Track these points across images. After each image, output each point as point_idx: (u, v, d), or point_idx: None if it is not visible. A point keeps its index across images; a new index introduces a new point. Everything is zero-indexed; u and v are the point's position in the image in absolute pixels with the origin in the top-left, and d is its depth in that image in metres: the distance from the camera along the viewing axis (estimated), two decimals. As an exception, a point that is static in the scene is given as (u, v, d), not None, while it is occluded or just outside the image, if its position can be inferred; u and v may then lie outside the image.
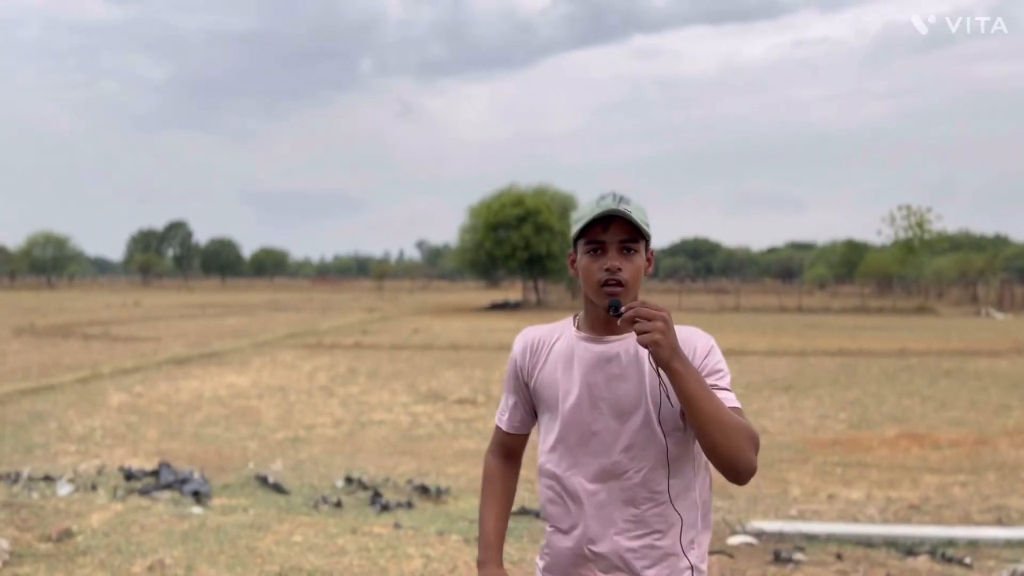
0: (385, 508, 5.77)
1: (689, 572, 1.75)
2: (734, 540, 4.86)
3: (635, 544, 1.73)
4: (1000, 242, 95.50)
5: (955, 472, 8.28)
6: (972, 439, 9.85)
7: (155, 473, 6.59)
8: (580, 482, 1.75)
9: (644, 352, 1.68)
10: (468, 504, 6.30)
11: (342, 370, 16.31)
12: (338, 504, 5.83)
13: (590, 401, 1.73)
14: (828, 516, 6.58)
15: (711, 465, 1.71)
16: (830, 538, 4.98)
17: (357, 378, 15.12)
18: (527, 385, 1.85)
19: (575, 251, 1.77)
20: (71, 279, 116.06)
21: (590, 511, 1.74)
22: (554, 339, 1.81)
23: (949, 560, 4.53)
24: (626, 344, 1.72)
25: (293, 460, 8.64)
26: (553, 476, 1.81)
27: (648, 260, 1.74)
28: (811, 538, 4.95)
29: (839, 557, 4.50)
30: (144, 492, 5.88)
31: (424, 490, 6.56)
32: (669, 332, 1.55)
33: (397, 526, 4.95)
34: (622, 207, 1.65)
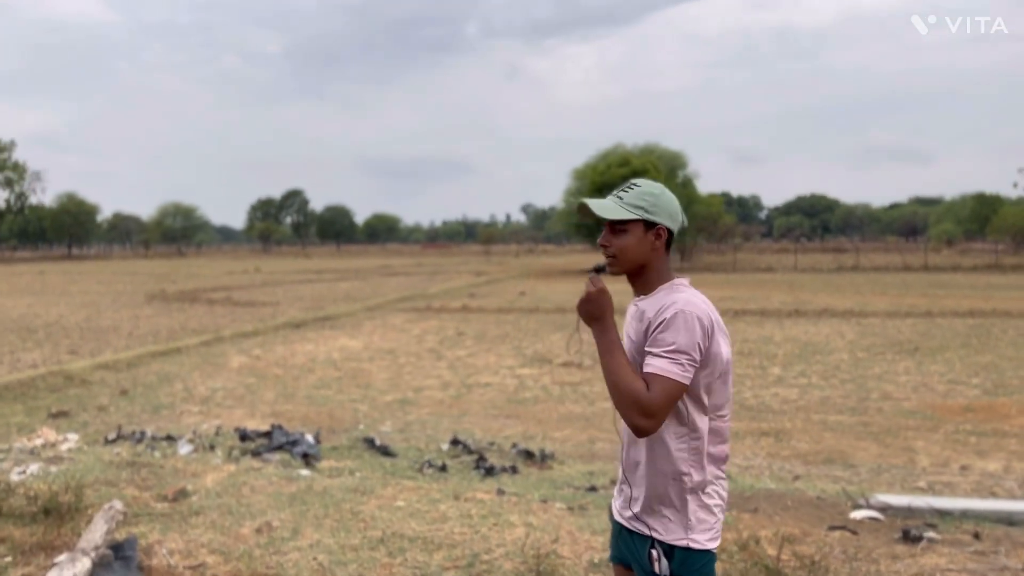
0: (489, 472, 5.71)
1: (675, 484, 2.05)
2: (857, 515, 4.54)
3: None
4: None
5: (1106, 443, 7.57)
6: (1126, 407, 8.98)
7: (268, 434, 6.76)
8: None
9: (654, 310, 2.02)
10: (572, 470, 6.18)
11: (450, 333, 16.47)
12: (443, 468, 5.81)
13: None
14: (961, 489, 6.12)
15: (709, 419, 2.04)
16: (965, 514, 4.59)
17: (464, 341, 15.23)
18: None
19: None
20: (199, 247, 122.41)
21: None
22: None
23: (1105, 543, 4.08)
24: (647, 302, 2.07)
25: (401, 422, 8.75)
26: None
27: (657, 236, 2.06)
28: (944, 514, 4.57)
29: (976, 536, 4.13)
30: (256, 453, 6.03)
31: (529, 455, 6.48)
32: (587, 303, 2.00)
33: (500, 492, 4.88)
34: (592, 199, 2.13)
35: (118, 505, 3.97)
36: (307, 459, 5.91)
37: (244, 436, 6.76)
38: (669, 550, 1.99)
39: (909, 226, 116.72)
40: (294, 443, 6.35)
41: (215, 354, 13.90)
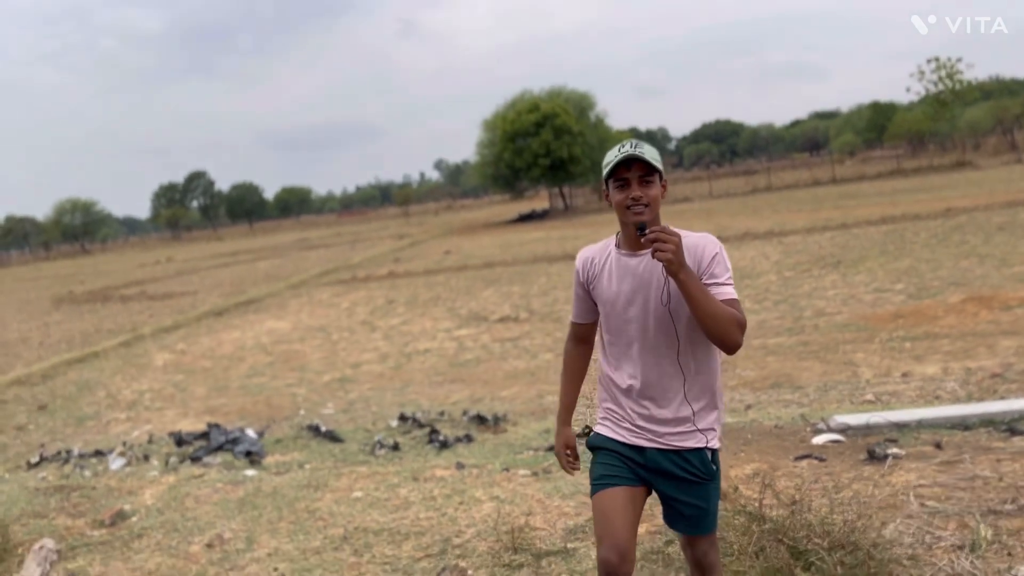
0: (444, 445, 5.52)
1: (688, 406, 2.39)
2: (819, 439, 4.53)
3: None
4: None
5: (1032, 333, 7.85)
6: (1043, 295, 9.35)
7: (205, 435, 6.41)
8: (629, 352, 2.41)
9: (694, 249, 2.27)
10: (528, 430, 6.05)
11: (380, 302, 16.12)
12: (395, 447, 5.59)
13: (628, 297, 2.37)
14: (907, 397, 6.22)
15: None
16: (921, 424, 4.63)
17: (396, 308, 14.92)
18: (588, 290, 2.49)
19: (607, 188, 2.36)
20: (104, 242, 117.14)
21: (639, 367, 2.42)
22: (604, 255, 2.45)
23: (1059, 435, 4.16)
24: (648, 257, 2.30)
25: (344, 401, 8.47)
26: (609, 348, 2.48)
27: (663, 187, 2.34)
28: (901, 427, 4.60)
29: (938, 446, 4.15)
30: (196, 458, 5.69)
31: (481, 420, 6.32)
32: (678, 252, 2.13)
33: (460, 466, 4.69)
34: (638, 151, 2.27)
35: (50, 544, 3.63)
36: (251, 457, 5.61)
37: (180, 440, 6.40)
38: (714, 453, 2.39)
39: (812, 141, 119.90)
40: (235, 441, 6.03)
41: (136, 354, 13.27)
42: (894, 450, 4.12)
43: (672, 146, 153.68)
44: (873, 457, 4.04)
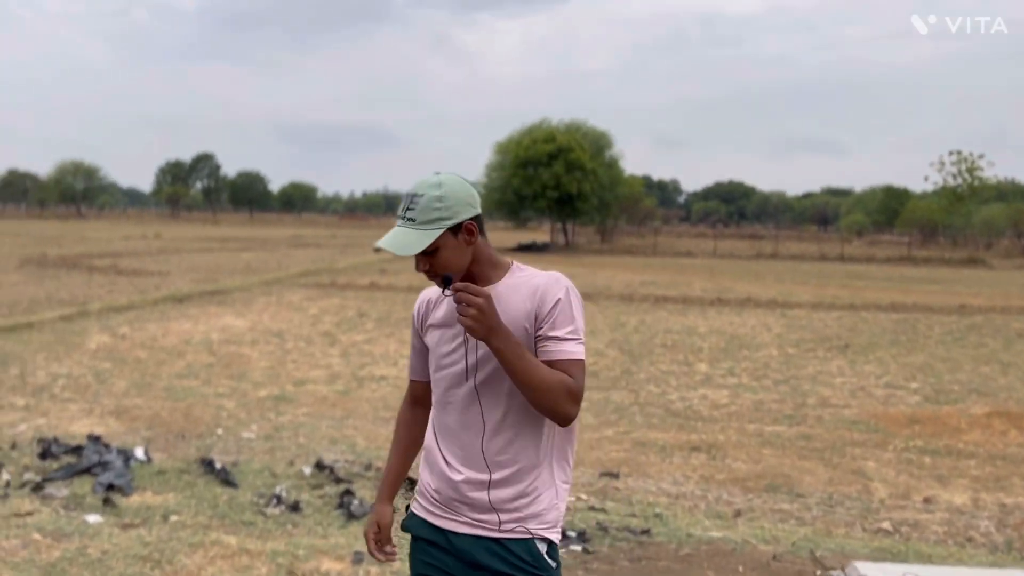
0: (353, 516, 4.35)
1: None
2: (834, 597, 3.40)
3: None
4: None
5: (1073, 468, 6.74)
6: (1079, 421, 8.26)
7: (78, 450, 5.24)
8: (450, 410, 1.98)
9: (532, 295, 1.90)
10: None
11: (350, 313, 14.97)
12: (295, 507, 4.43)
13: (458, 341, 1.93)
14: (932, 532, 5.11)
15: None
16: (967, 593, 3.50)
17: (365, 323, 13.77)
18: (422, 337, 2.08)
19: None
20: (101, 209, 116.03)
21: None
22: (438, 296, 2.03)
23: None
24: (509, 291, 1.93)
25: (271, 425, 7.31)
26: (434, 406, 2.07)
27: (467, 232, 1.87)
28: (941, 594, 3.48)
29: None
30: (43, 483, 4.52)
31: (413, 483, 5.15)
32: (484, 317, 1.75)
33: (358, 559, 3.54)
34: (394, 240, 1.85)
35: None
36: (111, 492, 4.44)
37: (46, 452, 5.24)
38: (551, 545, 1.90)
39: (821, 215, 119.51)
40: (105, 465, 4.87)
41: (73, 331, 12.09)
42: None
43: (682, 199, 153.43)
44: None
